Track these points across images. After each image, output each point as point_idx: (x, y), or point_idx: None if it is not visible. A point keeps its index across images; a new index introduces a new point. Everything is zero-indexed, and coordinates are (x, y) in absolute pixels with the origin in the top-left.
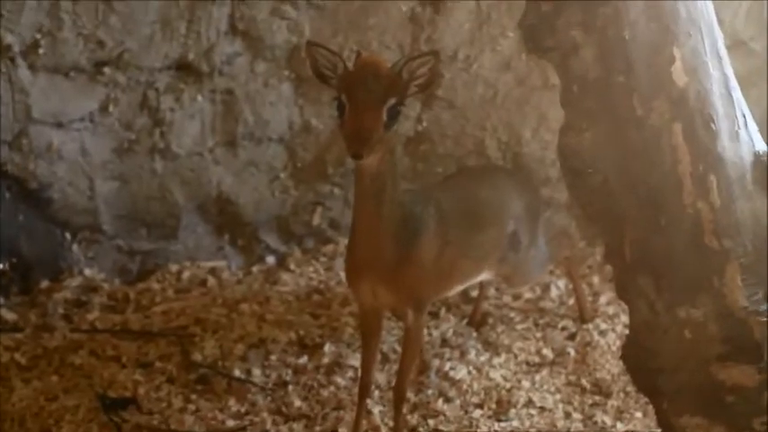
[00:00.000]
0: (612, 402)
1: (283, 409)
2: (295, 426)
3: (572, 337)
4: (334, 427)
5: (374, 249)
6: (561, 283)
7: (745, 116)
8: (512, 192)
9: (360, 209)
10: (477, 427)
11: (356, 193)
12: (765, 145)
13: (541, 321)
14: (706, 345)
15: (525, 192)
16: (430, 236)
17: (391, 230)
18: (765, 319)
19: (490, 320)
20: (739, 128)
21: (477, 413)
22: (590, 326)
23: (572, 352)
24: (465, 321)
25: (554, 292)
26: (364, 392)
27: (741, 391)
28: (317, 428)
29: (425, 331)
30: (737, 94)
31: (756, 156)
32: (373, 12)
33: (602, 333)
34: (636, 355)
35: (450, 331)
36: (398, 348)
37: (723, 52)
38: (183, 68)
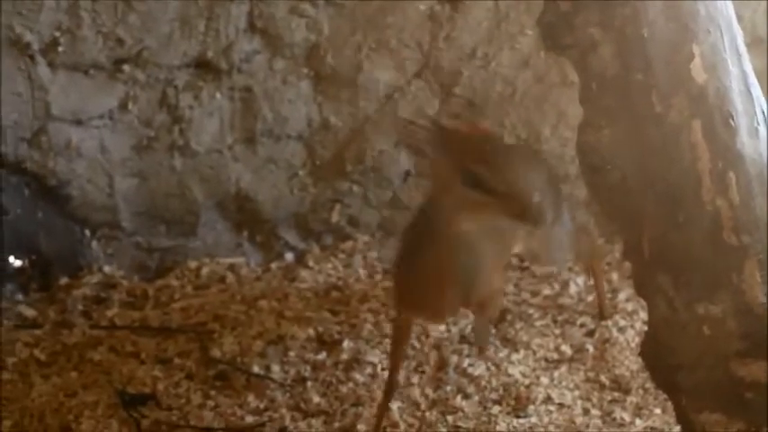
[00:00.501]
0: (631, 399)
1: (302, 405)
2: (314, 422)
3: (591, 333)
4: (353, 423)
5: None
6: (580, 279)
7: (764, 113)
8: (532, 163)
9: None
10: (496, 423)
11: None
12: None
13: (560, 318)
14: (725, 341)
15: (544, 166)
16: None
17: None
18: None
19: (509, 317)
20: (759, 124)
21: (496, 409)
22: (609, 322)
23: (591, 348)
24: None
25: (573, 289)
26: (391, 392)
27: (760, 387)
28: (336, 425)
29: (443, 327)
30: (757, 90)
31: None
32: (391, 10)
33: (621, 330)
34: (654, 352)
35: (469, 327)
36: (417, 345)
37: (743, 49)
38: (202, 66)
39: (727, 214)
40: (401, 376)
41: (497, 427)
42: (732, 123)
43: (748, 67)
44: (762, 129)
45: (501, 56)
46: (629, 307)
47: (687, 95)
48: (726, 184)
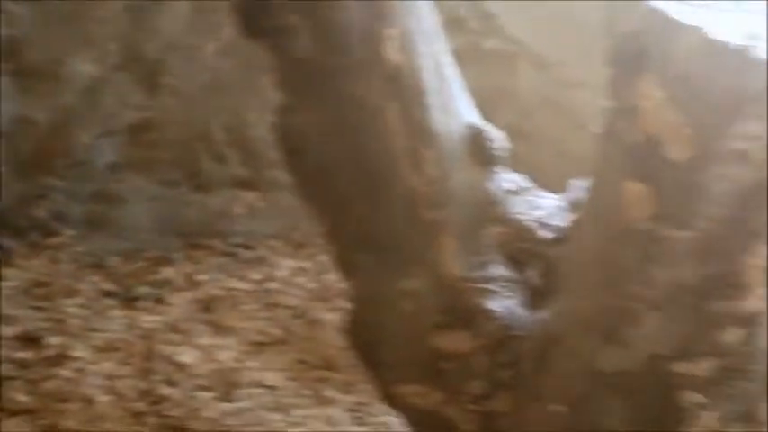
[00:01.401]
0: (339, 376)
1: (8, 404)
2: (19, 421)
3: (299, 315)
4: (58, 420)
5: None
6: (287, 262)
7: (458, 91)
8: None
9: None
10: (206, 409)
11: None
12: (477, 118)
13: (268, 301)
14: (424, 315)
15: None
16: None
17: None
18: (480, 285)
19: (217, 303)
20: (452, 102)
21: (205, 395)
22: (318, 303)
23: (299, 330)
24: (192, 305)
25: (280, 272)
26: None
27: (457, 356)
28: (42, 422)
29: (151, 317)
30: (451, 69)
31: (469, 129)
32: (92, 4)
33: (330, 310)
34: (358, 330)
35: (177, 316)
36: (126, 337)
37: (437, 29)
38: None
39: (422, 191)
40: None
41: (206, 413)
42: (426, 102)
43: (443, 46)
44: (455, 106)
45: (206, 45)
46: (339, 287)
47: (382, 77)
48: (420, 161)
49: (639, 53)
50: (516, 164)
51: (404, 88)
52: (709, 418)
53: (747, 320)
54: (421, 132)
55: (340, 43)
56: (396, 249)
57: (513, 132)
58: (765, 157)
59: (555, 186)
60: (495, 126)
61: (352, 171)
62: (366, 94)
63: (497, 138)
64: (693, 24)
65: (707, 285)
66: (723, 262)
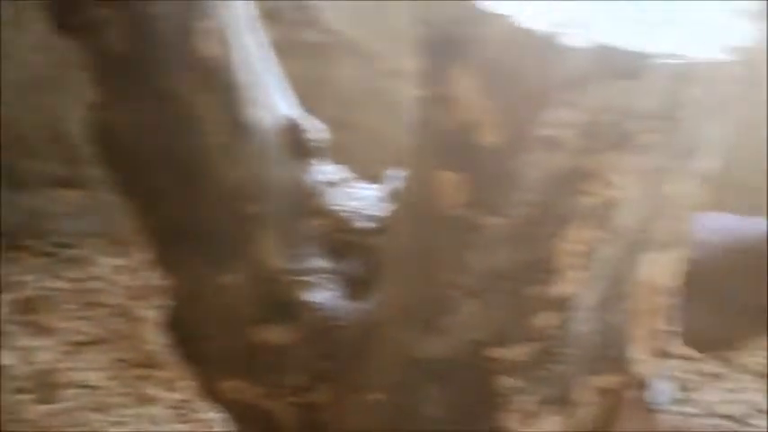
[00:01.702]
0: (162, 374)
1: None
2: None
3: (120, 313)
4: None
5: None
6: (108, 260)
7: (275, 84)
8: None
9: None
10: (25, 411)
11: None
12: (295, 111)
13: (89, 300)
14: (244, 309)
15: None
16: None
17: None
18: (300, 278)
19: (37, 303)
20: (269, 95)
21: (25, 398)
22: (139, 301)
23: (120, 328)
24: (11, 307)
25: (101, 271)
26: None
27: (277, 350)
28: None
29: None
30: (268, 62)
31: (286, 121)
32: None
33: (152, 307)
34: (178, 326)
35: None
36: None
37: (254, 22)
38: None
39: (239, 185)
40: None
41: (26, 416)
42: (241, 96)
43: (260, 39)
44: (272, 99)
45: (20, 39)
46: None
47: (196, 71)
48: (235, 155)
49: (449, 41)
50: (338, 155)
51: (218, 82)
52: (525, 402)
53: (559, 305)
54: (236, 126)
55: (153, 37)
56: (214, 244)
57: (335, 124)
58: (574, 143)
59: (374, 177)
60: (317, 118)
61: (167, 167)
62: (180, 88)
63: (315, 129)
64: (501, 12)
65: (521, 271)
66: (536, 248)
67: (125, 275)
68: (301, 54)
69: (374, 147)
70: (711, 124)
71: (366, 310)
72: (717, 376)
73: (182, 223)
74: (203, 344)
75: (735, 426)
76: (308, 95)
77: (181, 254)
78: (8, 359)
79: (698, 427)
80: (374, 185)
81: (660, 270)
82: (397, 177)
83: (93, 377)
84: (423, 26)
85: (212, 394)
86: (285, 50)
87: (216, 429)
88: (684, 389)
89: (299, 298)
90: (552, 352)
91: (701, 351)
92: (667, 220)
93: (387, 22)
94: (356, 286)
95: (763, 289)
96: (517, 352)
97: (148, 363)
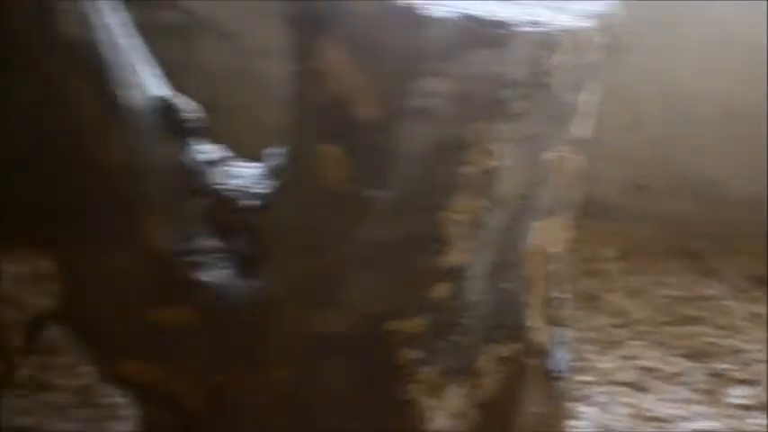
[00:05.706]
0: (62, 360)
1: None
2: None
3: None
4: None
5: None
6: None
7: (142, 64)
8: None
9: None
10: None
11: None
12: (167, 91)
13: None
14: (137, 291)
15: None
16: None
17: None
18: (189, 258)
19: None
20: (137, 76)
21: None
22: (32, 289)
23: (16, 317)
24: None
25: None
26: None
27: (175, 331)
28: None
29: None
30: (135, 41)
31: (159, 102)
32: None
33: (46, 295)
34: (73, 311)
35: None
36: None
37: (115, 2)
38: None
39: (115, 167)
40: None
41: None
42: (107, 76)
43: (122, 19)
44: (142, 79)
45: None
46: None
47: (60, 52)
48: (108, 137)
49: (318, 16)
50: (212, 135)
51: (83, 62)
52: (429, 373)
53: (452, 275)
54: (105, 107)
55: (16, 19)
56: (99, 227)
57: (205, 105)
58: (447, 112)
59: (252, 156)
60: (187, 99)
61: (43, 151)
62: (48, 69)
63: (190, 109)
64: None
65: (410, 243)
66: (422, 219)
67: (16, 264)
68: (163, 36)
69: (248, 127)
70: (579, 91)
71: (259, 287)
72: (612, 344)
73: (63, 208)
74: (100, 328)
75: (632, 392)
76: (175, 77)
77: (67, 239)
78: None
79: (596, 395)
80: (255, 164)
81: (547, 237)
82: (277, 155)
83: None
84: (290, 2)
85: (114, 378)
86: (147, 32)
87: (121, 413)
88: (581, 357)
89: (190, 278)
90: (450, 322)
91: None
92: (549, 188)
93: (246, 3)
94: (247, 264)
95: None
96: (415, 324)
97: (47, 349)
